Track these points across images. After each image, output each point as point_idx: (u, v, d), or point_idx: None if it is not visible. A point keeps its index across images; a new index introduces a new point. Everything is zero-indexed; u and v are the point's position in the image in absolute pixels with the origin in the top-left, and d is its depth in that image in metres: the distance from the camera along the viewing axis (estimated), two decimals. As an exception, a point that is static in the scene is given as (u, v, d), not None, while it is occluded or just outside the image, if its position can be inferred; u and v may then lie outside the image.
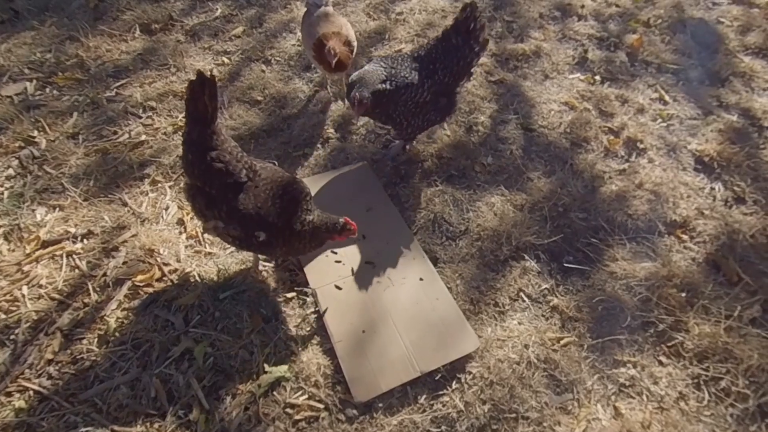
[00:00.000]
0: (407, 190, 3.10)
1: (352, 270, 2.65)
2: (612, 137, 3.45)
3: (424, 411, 2.19)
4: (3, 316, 2.42)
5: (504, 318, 2.53)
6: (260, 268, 2.66)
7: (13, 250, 2.71)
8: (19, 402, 2.15)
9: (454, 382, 2.27)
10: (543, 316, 2.55)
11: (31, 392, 2.18)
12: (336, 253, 2.73)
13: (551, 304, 2.58)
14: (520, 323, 2.51)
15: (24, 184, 3.07)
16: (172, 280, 2.59)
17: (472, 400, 2.22)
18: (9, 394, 2.18)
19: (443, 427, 2.14)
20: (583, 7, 4.56)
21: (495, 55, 4.11)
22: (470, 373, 2.31)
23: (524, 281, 2.67)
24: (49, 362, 2.27)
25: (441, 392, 2.24)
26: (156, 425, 2.10)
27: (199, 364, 2.27)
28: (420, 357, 2.29)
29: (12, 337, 2.36)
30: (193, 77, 2.08)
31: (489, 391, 2.24)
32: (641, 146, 3.40)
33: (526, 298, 2.61)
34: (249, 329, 2.41)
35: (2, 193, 3.01)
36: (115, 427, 2.09)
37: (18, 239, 2.77)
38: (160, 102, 3.71)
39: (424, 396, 2.23)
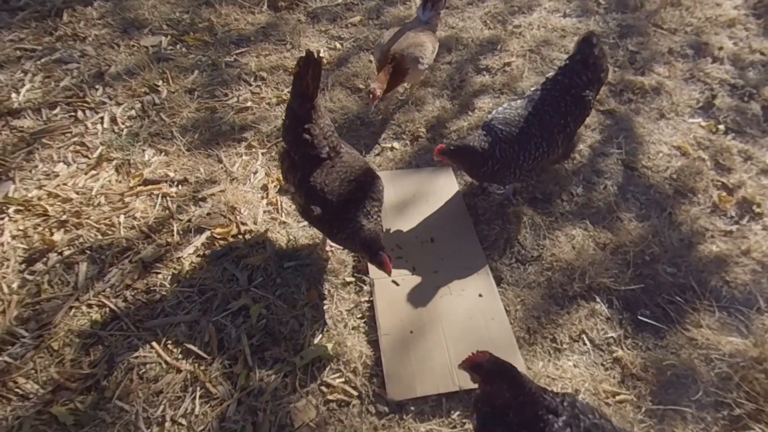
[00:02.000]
0: (486, 203, 3.03)
1: (413, 269, 2.64)
2: (724, 194, 3.13)
3: (455, 427, 2.13)
4: (100, 237, 2.70)
5: (559, 356, 2.39)
6: (327, 247, 2.73)
7: (120, 182, 3.01)
8: (95, 315, 2.38)
9: None
10: (602, 365, 2.38)
11: (107, 309, 2.41)
12: (401, 248, 2.73)
13: (615, 354, 2.39)
14: (575, 366, 2.36)
15: (141, 125, 3.39)
16: (245, 239, 2.74)
17: (506, 430, 2.12)
18: (90, 306, 2.42)
19: (470, 449, 2.07)
20: (721, 48, 4.17)
21: (610, 84, 3.88)
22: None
23: (590, 324, 2.50)
24: (127, 287, 2.50)
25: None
26: (202, 367, 2.24)
27: (252, 323, 2.38)
28: (462, 372, 2.22)
29: (102, 257, 2.62)
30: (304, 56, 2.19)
31: (526, 426, 2.13)
32: (757, 210, 3.05)
33: (588, 342, 2.44)
34: (304, 302, 2.49)
35: (122, 130, 3.34)
36: (168, 359, 2.25)
37: (126, 173, 3.07)
38: (270, 74, 3.92)
39: (458, 412, 2.17)
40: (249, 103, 3.65)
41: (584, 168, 3.27)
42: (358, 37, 4.28)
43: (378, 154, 3.35)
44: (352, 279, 2.63)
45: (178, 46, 4.13)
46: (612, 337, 2.46)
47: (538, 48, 4.23)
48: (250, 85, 3.82)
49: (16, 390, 2.12)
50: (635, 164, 3.30)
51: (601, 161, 3.32)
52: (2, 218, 2.75)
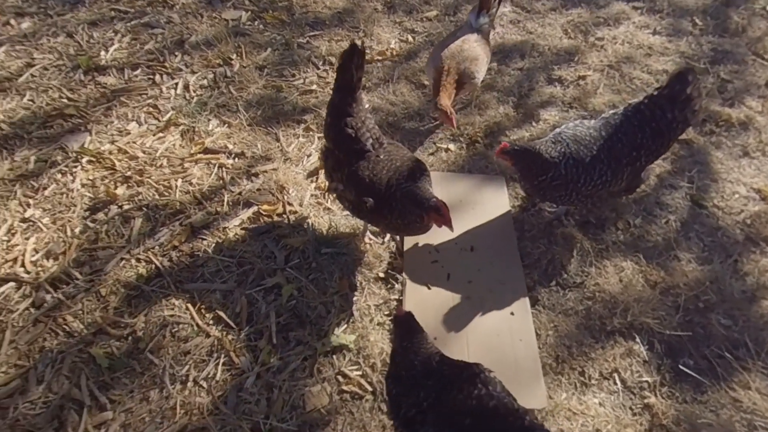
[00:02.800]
0: (534, 219, 2.93)
1: (448, 276, 2.60)
2: (803, 249, 2.85)
3: (463, 442, 2.10)
4: (157, 197, 2.86)
5: (585, 391, 2.28)
6: (366, 239, 2.75)
7: (183, 147, 3.16)
8: (142, 269, 2.53)
9: None
10: (631, 409, 2.25)
11: (153, 266, 2.56)
12: (438, 252, 2.70)
13: (646, 401, 2.26)
14: (601, 404, 2.24)
15: (210, 96, 3.54)
16: (289, 220, 2.81)
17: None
18: (138, 261, 2.58)
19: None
20: (828, 89, 3.78)
21: (692, 112, 3.61)
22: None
23: (624, 363, 2.37)
24: (174, 248, 2.63)
25: None
26: (229, 336, 2.33)
27: (282, 302, 2.45)
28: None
29: (156, 215, 2.77)
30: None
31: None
32: (839, 273, 2.75)
33: (619, 382, 2.32)
34: (335, 290, 2.52)
35: (192, 98, 3.50)
36: (200, 323, 2.36)
37: (189, 139, 3.22)
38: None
39: (469, 427, 2.13)
40: (314, 87, 3.71)
41: (647, 198, 3.08)
42: (431, 32, 4.23)
43: (432, 154, 3.31)
44: (385, 275, 2.63)
45: (256, 23, 4.25)
46: (647, 381, 2.32)
47: (618, 64, 4.00)
48: (318, 68, 3.88)
49: (64, 327, 2.30)
50: (705, 202, 3.07)
51: (667, 193, 3.11)
52: (76, 166, 2.97)
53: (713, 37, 4.24)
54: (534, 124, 3.53)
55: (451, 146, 3.35)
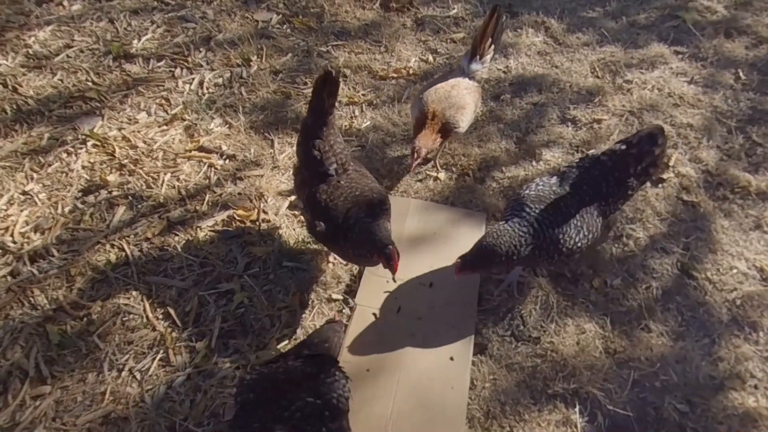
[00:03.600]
0: (503, 265, 2.84)
1: (399, 309, 2.59)
2: (794, 342, 2.62)
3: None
4: (144, 188, 3.02)
5: (509, 452, 2.22)
6: (331, 259, 2.78)
7: (181, 142, 3.32)
8: (112, 256, 2.69)
9: None
10: (553, 480, 2.16)
11: (124, 254, 2.71)
12: (396, 282, 2.69)
13: (571, 475, 2.16)
14: (521, 469, 2.17)
15: (221, 95, 3.68)
16: (260, 228, 2.89)
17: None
18: (112, 246, 2.74)
19: None
20: None
21: (708, 172, 3.39)
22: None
23: None
24: (147, 239, 2.78)
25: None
26: (173, 333, 2.44)
27: (231, 308, 2.53)
28: (397, 429, 2.17)
29: (139, 206, 2.93)
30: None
31: None
32: (829, 376, 2.51)
33: (547, 450, 2.23)
34: (285, 305, 2.58)
35: (204, 95, 3.66)
36: (150, 316, 2.48)
37: (189, 135, 3.37)
38: (354, 73, 4.00)
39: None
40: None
41: (633, 258, 2.92)
42: (453, 54, 4.19)
43: (420, 180, 3.30)
44: (340, 297, 2.66)
45: (284, 26, 4.37)
46: (578, 455, 2.22)
47: (640, 111, 3.80)
48: (331, 79, 3.93)
49: (30, 299, 2.49)
50: (696, 272, 2.87)
51: (656, 256, 2.94)
52: (81, 148, 3.19)
53: (754, 95, 3.94)
54: (534, 163, 3.43)
55: (441, 175, 3.32)
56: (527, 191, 2.42)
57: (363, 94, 3.85)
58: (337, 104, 3.48)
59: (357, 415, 2.20)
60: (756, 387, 2.46)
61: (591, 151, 2.46)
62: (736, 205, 3.23)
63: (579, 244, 2.34)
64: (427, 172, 3.34)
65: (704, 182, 3.35)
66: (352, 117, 3.68)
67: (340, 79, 2.31)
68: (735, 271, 2.90)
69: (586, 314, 2.67)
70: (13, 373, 2.25)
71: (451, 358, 2.41)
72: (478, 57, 3.06)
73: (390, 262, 2.16)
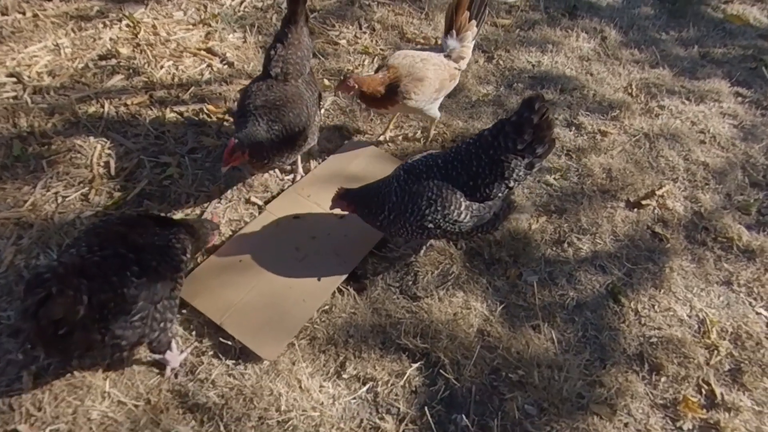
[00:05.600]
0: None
1: (296, 216, 2.70)
2: (696, 399, 2.31)
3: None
4: (145, 66, 3.37)
5: (327, 380, 2.23)
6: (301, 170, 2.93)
7: (196, 42, 3.64)
8: (93, 108, 3.07)
9: (221, 362, 2.21)
10: (361, 422, 2.14)
11: (102, 110, 3.07)
12: (311, 201, 2.77)
13: (381, 423, 2.12)
14: (333, 400, 2.17)
15: (254, 16, 3.96)
16: (221, 124, 3.11)
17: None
18: (97, 101, 3.12)
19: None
20: None
21: (698, 214, 3.05)
22: (247, 366, 2.20)
23: (390, 379, 2.24)
24: (125, 105, 3.13)
25: (222, 349, 2.23)
26: (103, 179, 2.75)
27: (160, 177, 2.79)
28: (236, 315, 2.28)
29: (133, 78, 3.29)
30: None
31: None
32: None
33: (368, 392, 2.21)
34: (206, 191, 2.78)
35: (239, 11, 3.95)
36: (95, 160, 2.81)
37: (206, 39, 3.68)
38: (384, 29, 4.07)
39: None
40: (342, 42, 3.92)
41: (562, 264, 2.74)
42: (489, 37, 4.13)
43: (391, 140, 3.28)
44: (259, 202, 2.80)
45: None
46: (397, 407, 2.17)
47: (656, 137, 3.50)
48: (359, 29, 4.07)
49: (15, 119, 2.93)
50: (624, 299, 2.63)
51: (589, 271, 2.73)
52: (116, 24, 3.63)
53: (803, 153, 3.45)
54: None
55: (417, 136, 3.32)
56: (416, 158, 2.39)
57: (381, 49, 3.93)
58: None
59: (210, 292, 2.35)
60: (626, 425, 2.22)
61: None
62: (712, 254, 2.88)
63: (430, 217, 2.25)
64: (404, 131, 3.35)
65: (688, 222, 3.02)
66: (360, 65, 3.78)
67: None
68: (670, 312, 2.61)
69: (481, 295, 2.57)
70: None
71: (319, 279, 2.46)
72: (454, 32, 2.89)
73: (226, 149, 2.32)
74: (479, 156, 2.22)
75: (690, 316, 2.61)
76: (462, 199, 2.23)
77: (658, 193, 3.12)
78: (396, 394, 2.21)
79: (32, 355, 2.08)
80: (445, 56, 2.94)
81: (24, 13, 3.57)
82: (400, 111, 3.03)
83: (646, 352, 2.44)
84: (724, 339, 2.52)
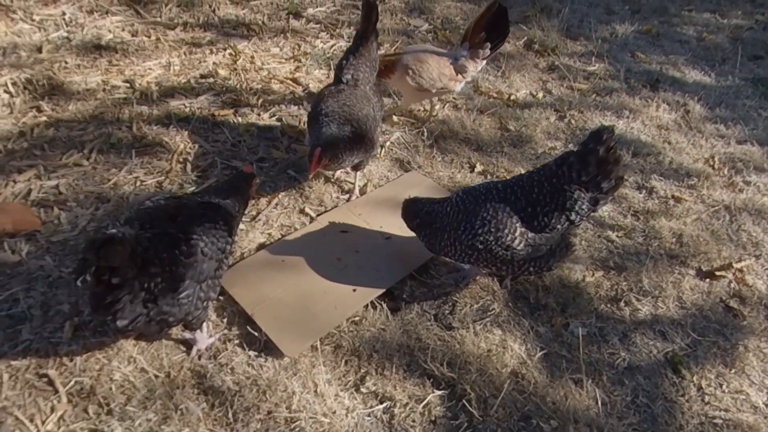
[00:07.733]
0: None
1: (344, 232, 2.73)
2: None
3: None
4: (236, 85, 3.74)
5: (345, 390, 2.14)
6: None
7: (285, 73, 4.00)
8: (184, 111, 3.41)
9: (244, 351, 2.22)
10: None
11: (191, 113, 3.41)
12: (362, 218, 2.81)
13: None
14: (347, 412, 2.07)
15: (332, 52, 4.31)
16: (293, 139, 3.33)
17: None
18: (189, 107, 3.47)
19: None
20: None
21: (780, 293, 2.72)
22: (267, 359, 2.17)
23: (417, 394, 2.11)
24: (212, 115, 3.45)
25: (248, 339, 2.24)
26: (181, 174, 2.99)
27: (225, 177, 2.98)
28: (267, 309, 2.30)
29: (224, 96, 3.65)
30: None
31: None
32: None
33: (381, 409, 2.09)
34: (264, 196, 2.93)
35: (328, 53, 4.33)
36: (175, 157, 3.09)
37: (294, 71, 4.04)
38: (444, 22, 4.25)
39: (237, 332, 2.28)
40: (402, 36, 4.23)
41: (616, 323, 2.52)
42: (563, 98, 4.17)
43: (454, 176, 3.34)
44: (312, 214, 2.89)
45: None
46: (412, 420, 2.02)
47: (739, 210, 3.29)
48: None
49: (119, 116, 3.32)
50: (685, 372, 2.35)
51: (647, 335, 2.49)
52: (220, 53, 4.10)
53: None
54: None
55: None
56: (477, 184, 2.39)
57: (454, 98, 4.08)
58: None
59: (248, 284, 2.41)
60: None
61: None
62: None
63: (482, 238, 2.19)
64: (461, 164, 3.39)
65: (769, 302, 2.69)
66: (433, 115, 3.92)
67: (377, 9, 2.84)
68: (741, 396, 2.28)
69: (521, 337, 2.41)
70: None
71: (354, 290, 2.44)
72: (467, 44, 3.28)
73: (311, 157, 2.46)
74: (541, 183, 2.18)
75: (765, 403, 2.25)
76: (518, 224, 2.17)
77: (737, 266, 2.84)
78: (413, 420, 2.07)
79: (77, 308, 2.21)
80: (453, 61, 3.29)
81: (149, 36, 4.14)
82: (396, 85, 3.47)
83: (707, 434, 2.12)
84: None
